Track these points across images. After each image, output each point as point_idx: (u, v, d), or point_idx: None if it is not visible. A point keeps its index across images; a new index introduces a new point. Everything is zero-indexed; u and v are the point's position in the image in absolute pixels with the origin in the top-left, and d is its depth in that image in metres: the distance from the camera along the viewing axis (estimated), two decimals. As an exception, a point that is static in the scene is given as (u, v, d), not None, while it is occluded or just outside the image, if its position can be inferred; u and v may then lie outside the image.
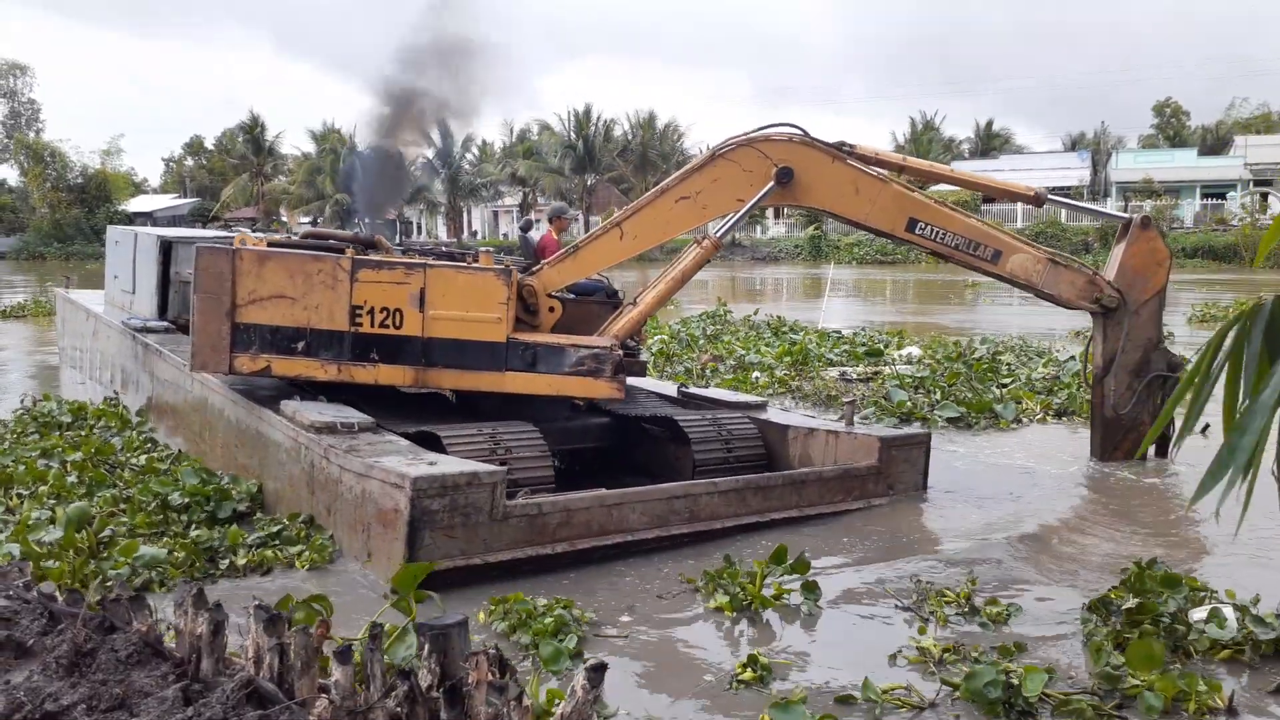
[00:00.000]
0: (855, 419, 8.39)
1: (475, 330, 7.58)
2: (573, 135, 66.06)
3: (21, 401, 10.97)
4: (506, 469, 6.24)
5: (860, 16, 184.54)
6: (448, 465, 6.00)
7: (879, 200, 8.40)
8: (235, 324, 7.39)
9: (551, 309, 8.16)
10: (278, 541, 6.39)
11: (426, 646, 3.27)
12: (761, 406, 9.24)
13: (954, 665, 4.70)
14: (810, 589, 5.67)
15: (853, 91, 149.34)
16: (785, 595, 5.61)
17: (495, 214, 75.12)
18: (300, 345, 7.41)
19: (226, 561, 6.10)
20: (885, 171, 8.64)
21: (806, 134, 8.37)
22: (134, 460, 8.59)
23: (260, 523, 6.81)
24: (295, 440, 6.87)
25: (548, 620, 4.97)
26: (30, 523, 6.45)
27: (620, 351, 7.79)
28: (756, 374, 13.58)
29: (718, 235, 8.48)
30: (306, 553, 6.18)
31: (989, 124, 77.46)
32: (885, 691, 4.40)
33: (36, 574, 5.07)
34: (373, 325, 7.47)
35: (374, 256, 7.82)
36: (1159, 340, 9.01)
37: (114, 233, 14.50)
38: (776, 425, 8.54)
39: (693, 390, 10.02)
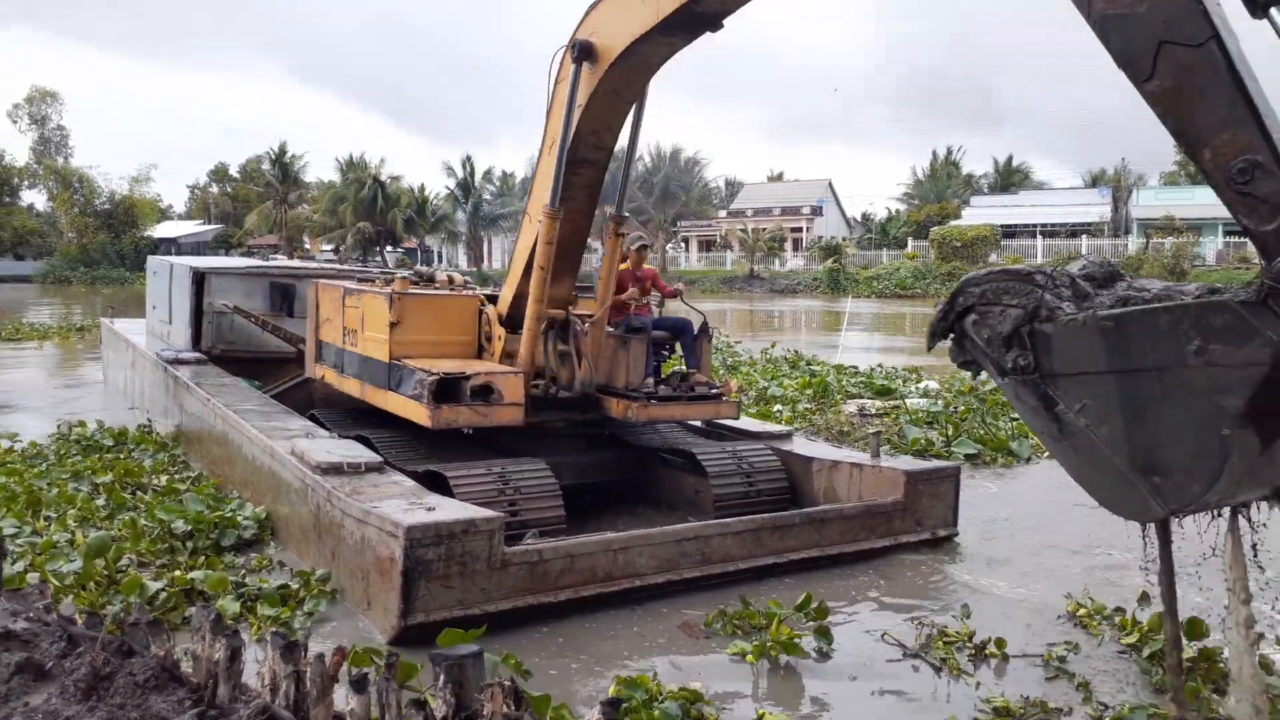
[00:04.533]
0: (880, 450, 8.14)
1: (373, 349, 8.27)
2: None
3: (58, 427, 11.10)
4: (504, 515, 5.96)
5: (882, 51, 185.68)
6: (445, 511, 5.71)
7: None
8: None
9: (498, 337, 8.18)
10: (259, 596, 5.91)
11: (442, 677, 3.27)
12: (786, 436, 9.00)
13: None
14: (824, 634, 5.48)
15: (874, 125, 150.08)
16: (798, 639, 5.41)
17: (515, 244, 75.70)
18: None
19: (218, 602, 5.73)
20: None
21: None
22: (156, 482, 8.65)
23: (261, 563, 6.66)
24: (303, 481, 6.73)
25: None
26: (51, 549, 6.46)
27: (439, 380, 7.35)
28: (779, 407, 13.55)
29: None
30: (298, 616, 5.73)
31: (1009, 160, 77.77)
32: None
33: (57, 596, 5.10)
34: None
35: None
36: None
37: (153, 263, 14.74)
38: (800, 457, 8.32)
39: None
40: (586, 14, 7.14)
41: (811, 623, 5.65)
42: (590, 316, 8.13)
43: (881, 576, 6.87)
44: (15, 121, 78.04)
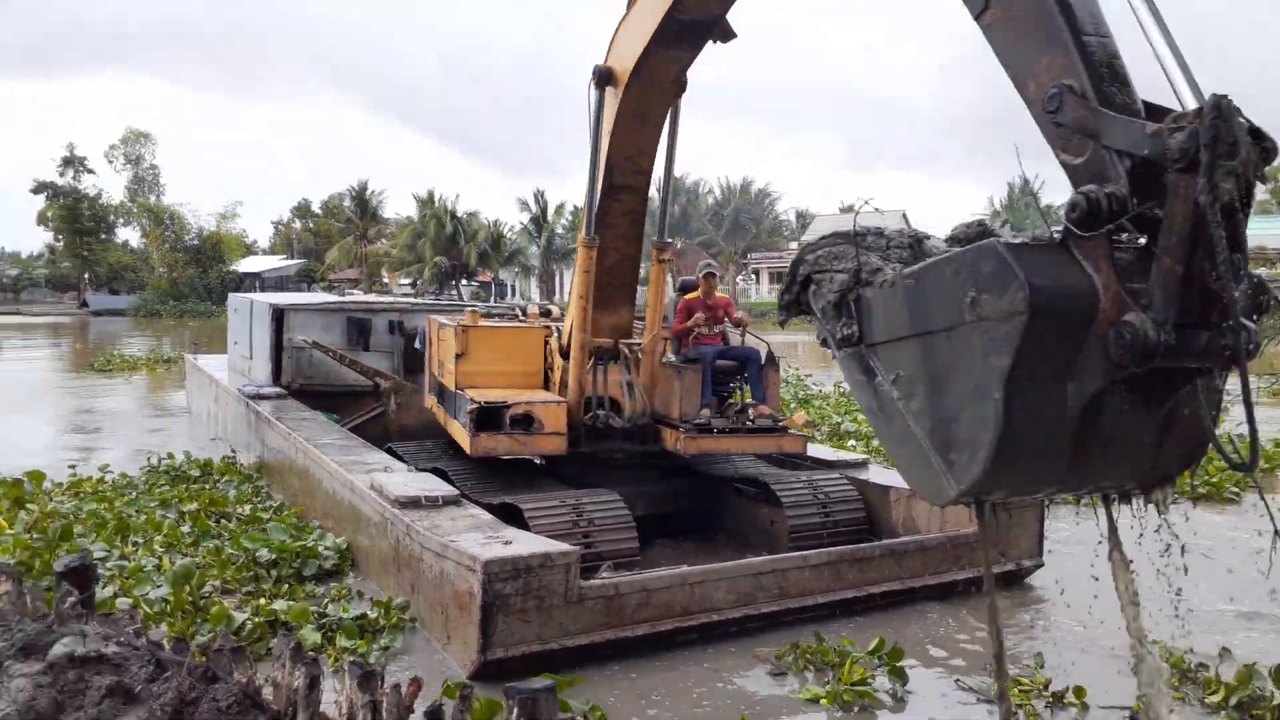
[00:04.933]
0: None
1: (447, 379, 8.68)
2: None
3: (147, 459, 11.52)
4: (579, 549, 5.96)
5: (958, 79, 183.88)
6: (521, 545, 5.73)
7: None
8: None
9: (557, 367, 8.41)
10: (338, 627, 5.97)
11: (515, 710, 3.26)
12: (862, 465, 8.85)
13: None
14: (899, 675, 5.33)
15: (950, 156, 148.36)
16: (870, 680, 5.30)
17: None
18: None
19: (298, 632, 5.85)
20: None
21: None
22: (240, 510, 8.88)
23: (340, 593, 6.75)
24: (382, 515, 6.85)
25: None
26: (139, 573, 6.67)
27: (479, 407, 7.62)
28: (853, 442, 13.35)
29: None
30: (373, 651, 5.77)
31: (1088, 189, 75.68)
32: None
33: (146, 622, 5.24)
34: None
35: None
36: None
37: (234, 300, 15.27)
38: (877, 486, 8.17)
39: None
40: (609, 43, 7.36)
41: (884, 665, 5.51)
42: (639, 345, 8.19)
43: (960, 612, 6.71)
44: (111, 162, 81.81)
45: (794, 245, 76.28)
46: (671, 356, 8.25)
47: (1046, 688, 5.27)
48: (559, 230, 75.07)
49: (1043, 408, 2.78)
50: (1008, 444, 2.77)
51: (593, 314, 7.96)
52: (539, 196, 75.97)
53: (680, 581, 6.11)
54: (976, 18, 3.18)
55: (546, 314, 9.58)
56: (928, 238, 3.37)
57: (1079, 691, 5.17)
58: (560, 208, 73.40)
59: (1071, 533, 8.48)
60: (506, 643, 5.40)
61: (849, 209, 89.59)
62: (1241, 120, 2.54)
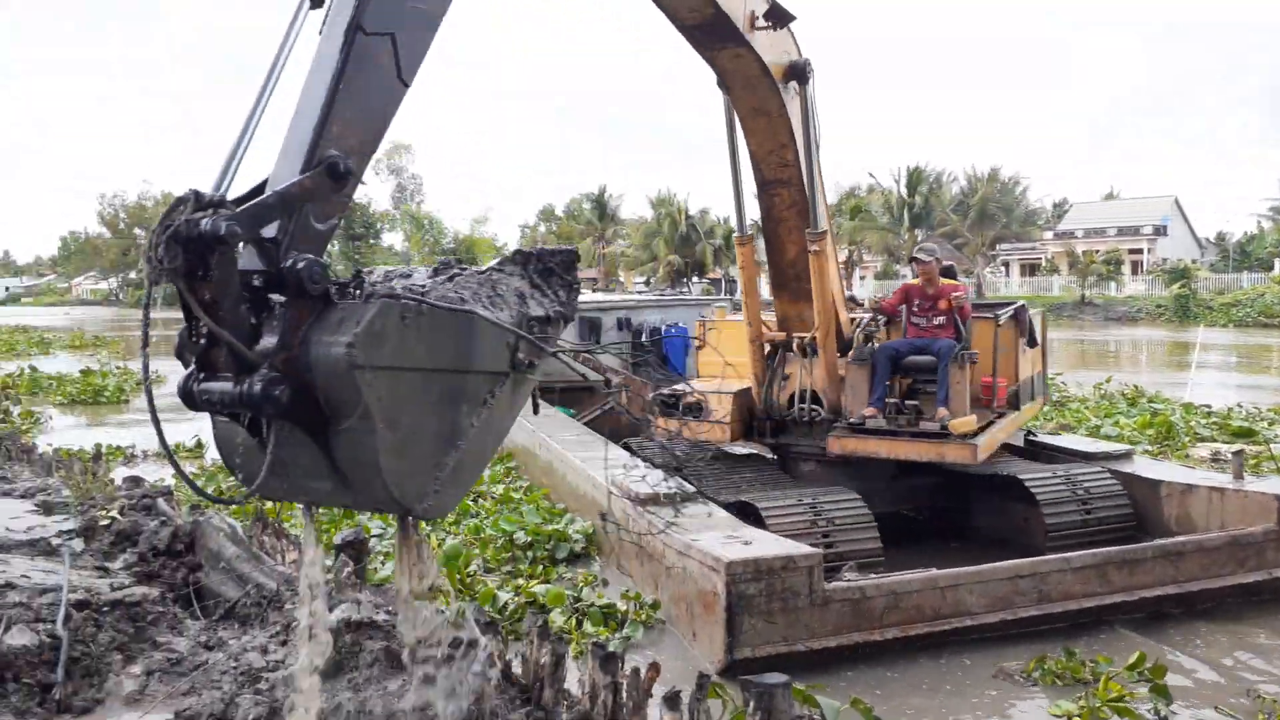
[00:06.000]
0: (1244, 472, 7.18)
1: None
2: (904, 192, 64.79)
3: None
4: (822, 551, 5.89)
5: (1243, 51, 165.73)
6: (763, 546, 5.75)
7: None
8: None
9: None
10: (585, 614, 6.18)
11: (752, 704, 3.26)
12: (1126, 457, 8.16)
13: None
14: (1162, 694, 4.87)
15: (1233, 134, 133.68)
16: (1129, 698, 4.88)
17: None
18: None
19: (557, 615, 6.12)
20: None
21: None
22: (494, 490, 9.45)
23: (587, 579, 6.95)
24: (624, 512, 7.01)
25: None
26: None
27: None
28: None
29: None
30: (614, 640, 5.86)
31: None
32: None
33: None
34: None
35: None
36: None
37: None
38: (1145, 480, 7.53)
39: (1043, 439, 9.10)
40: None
41: (1145, 682, 5.07)
42: (806, 338, 8.08)
43: (1237, 621, 6.07)
44: (377, 173, 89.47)
45: (1049, 235, 71.51)
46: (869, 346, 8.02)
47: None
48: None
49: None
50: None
51: (784, 308, 8.03)
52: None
53: (930, 584, 5.93)
54: None
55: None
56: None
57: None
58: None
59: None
60: (752, 643, 5.42)
61: (1112, 195, 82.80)
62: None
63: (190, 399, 2.54)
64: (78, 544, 5.09)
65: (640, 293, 53.55)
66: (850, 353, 8.00)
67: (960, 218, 63.91)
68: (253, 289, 2.60)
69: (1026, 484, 7.40)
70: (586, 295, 18.33)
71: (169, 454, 2.68)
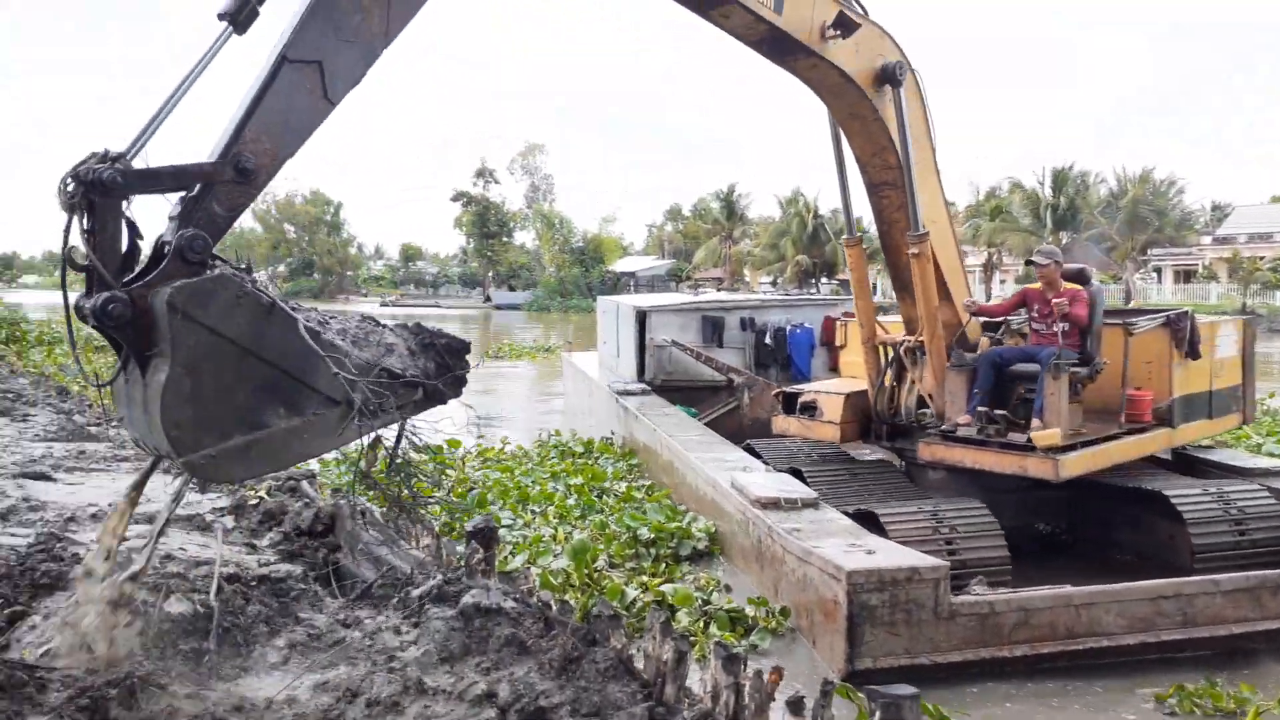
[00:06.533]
0: None
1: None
2: (1049, 193, 62.05)
3: (540, 434, 12.87)
4: (948, 564, 5.74)
5: None
6: (886, 556, 5.66)
7: None
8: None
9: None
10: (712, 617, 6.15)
11: (878, 714, 3.18)
12: None
13: None
14: None
15: None
16: None
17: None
18: None
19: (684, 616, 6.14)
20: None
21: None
22: (616, 488, 9.55)
23: (709, 582, 6.89)
24: (744, 514, 7.02)
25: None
26: (539, 543, 7.43)
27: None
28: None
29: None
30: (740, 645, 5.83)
31: None
32: None
33: (547, 588, 5.82)
34: None
35: None
36: None
37: (603, 303, 16.63)
38: None
39: (1193, 452, 8.59)
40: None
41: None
42: (909, 341, 8.07)
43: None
44: (512, 173, 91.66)
45: (1207, 240, 67.30)
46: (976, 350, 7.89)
47: None
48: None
49: None
50: None
51: (907, 310, 8.03)
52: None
53: (1064, 602, 5.71)
54: None
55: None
56: None
57: None
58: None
59: None
60: (874, 654, 5.35)
61: (1278, 199, 77.24)
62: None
63: (78, 312, 3.18)
64: (229, 521, 5.40)
65: (766, 293, 53.17)
66: (957, 357, 7.81)
67: (1109, 220, 60.77)
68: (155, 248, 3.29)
69: (1172, 500, 7.00)
70: (710, 295, 18.46)
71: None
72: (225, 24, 3.66)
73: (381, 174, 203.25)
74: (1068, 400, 7.19)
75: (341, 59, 3.56)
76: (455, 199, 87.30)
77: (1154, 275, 67.88)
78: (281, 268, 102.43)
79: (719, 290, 56.87)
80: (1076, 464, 6.98)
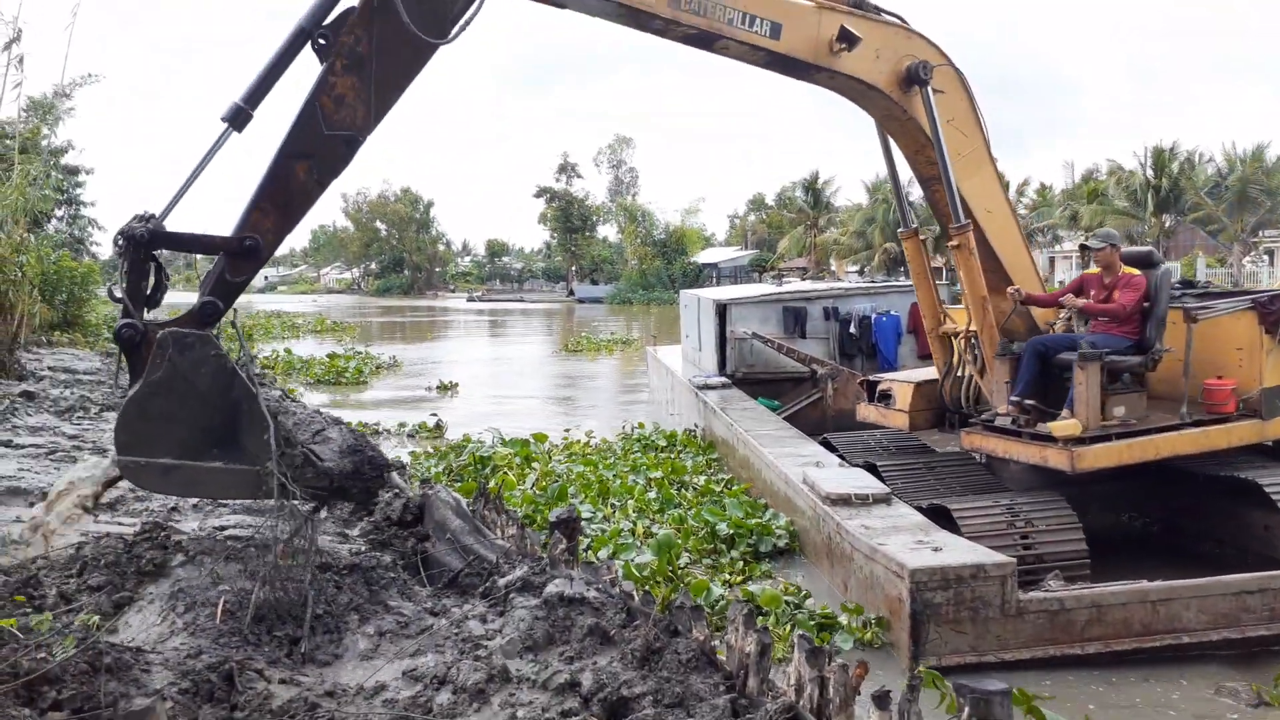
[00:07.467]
0: None
1: None
2: (1150, 173, 59.56)
3: (624, 427, 12.98)
4: (1015, 560, 5.60)
5: None
6: (952, 553, 5.57)
7: None
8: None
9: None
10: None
11: (966, 709, 3.10)
12: None
13: None
14: None
15: None
16: None
17: (1051, 260, 70.67)
18: None
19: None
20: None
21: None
22: (696, 481, 9.53)
23: (788, 589, 6.64)
24: (815, 509, 6.96)
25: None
26: (618, 536, 7.44)
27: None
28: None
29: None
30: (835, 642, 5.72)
31: None
32: None
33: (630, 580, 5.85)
34: None
35: None
36: None
37: (684, 297, 16.63)
38: None
39: None
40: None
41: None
42: (962, 331, 7.97)
43: None
44: (597, 166, 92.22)
45: (1319, 219, 63.68)
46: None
47: None
48: (1020, 211, 70.28)
49: None
50: None
51: (966, 299, 7.92)
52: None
53: (1139, 597, 5.55)
54: None
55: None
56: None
57: None
58: (1023, 185, 68.83)
59: None
60: (939, 652, 5.29)
61: (1400, 171, 72.60)
62: None
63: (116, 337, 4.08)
64: (322, 511, 5.55)
65: (853, 282, 52.38)
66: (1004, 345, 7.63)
67: (1216, 202, 58.04)
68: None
69: (1267, 489, 6.71)
70: (793, 285, 18.27)
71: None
72: (226, 125, 4.40)
73: (468, 169, 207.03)
74: (1100, 390, 6.83)
75: (329, 154, 4.40)
76: (538, 195, 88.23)
77: (1265, 258, 64.57)
78: (373, 265, 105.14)
79: (803, 280, 56.34)
80: (1098, 456, 6.66)
